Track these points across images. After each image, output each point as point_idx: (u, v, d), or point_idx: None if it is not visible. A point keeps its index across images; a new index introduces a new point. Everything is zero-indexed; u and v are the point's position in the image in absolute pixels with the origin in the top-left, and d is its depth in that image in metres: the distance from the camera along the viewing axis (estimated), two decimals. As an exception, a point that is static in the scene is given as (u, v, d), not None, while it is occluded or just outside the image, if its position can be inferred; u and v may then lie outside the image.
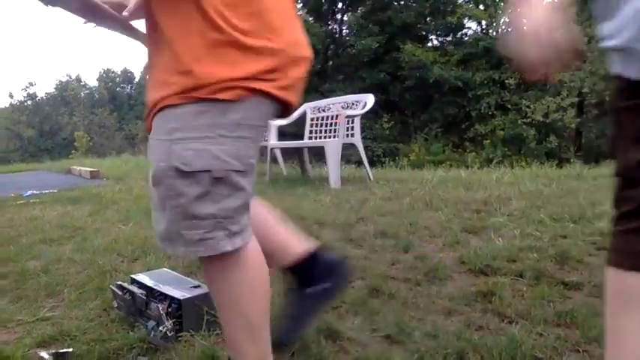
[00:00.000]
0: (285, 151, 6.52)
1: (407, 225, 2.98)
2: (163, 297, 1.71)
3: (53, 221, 3.85)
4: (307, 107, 5.87)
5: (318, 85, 24.96)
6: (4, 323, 1.82)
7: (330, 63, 25.83)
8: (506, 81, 19.81)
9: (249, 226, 1.11)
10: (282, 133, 5.98)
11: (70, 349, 1.56)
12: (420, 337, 1.56)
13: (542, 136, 18.94)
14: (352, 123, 5.11)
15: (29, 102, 23.31)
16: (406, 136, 21.99)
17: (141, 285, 1.84)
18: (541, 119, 18.23)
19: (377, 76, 22.54)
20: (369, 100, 5.20)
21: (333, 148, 4.77)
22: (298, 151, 5.92)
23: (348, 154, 11.22)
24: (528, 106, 18.66)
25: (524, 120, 18.80)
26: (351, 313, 1.79)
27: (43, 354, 1.54)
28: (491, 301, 1.84)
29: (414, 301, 1.88)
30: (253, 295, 1.12)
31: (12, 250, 2.89)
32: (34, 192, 6.00)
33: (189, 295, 1.69)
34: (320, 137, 5.51)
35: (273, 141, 5.65)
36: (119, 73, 57.81)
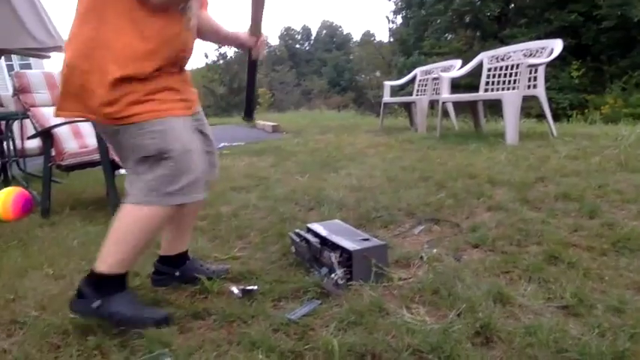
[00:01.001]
0: (458, 105, 6.27)
1: (594, 187, 2.68)
2: (335, 247, 1.82)
3: (241, 171, 4.30)
4: (484, 56, 5.52)
5: (497, 31, 23.20)
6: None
7: (512, 5, 23.65)
8: None
9: None
10: (455, 85, 5.73)
11: (256, 287, 1.77)
12: (603, 312, 1.43)
13: None
14: (535, 73, 4.68)
15: (221, 61, 25.82)
16: (599, 86, 19.40)
17: (316, 234, 1.98)
18: None
19: (567, 17, 20.02)
20: (557, 46, 4.68)
21: (511, 101, 4.45)
22: (472, 104, 5.64)
23: (528, 106, 10.38)
24: None
25: None
26: (524, 279, 1.71)
27: (234, 289, 1.77)
28: (698, 281, 1.60)
29: (597, 272, 1.72)
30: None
31: (209, 195, 3.31)
32: (226, 144, 6.72)
33: (359, 247, 1.77)
34: (497, 89, 5.17)
35: (445, 94, 5.46)
36: (299, 30, 60.57)
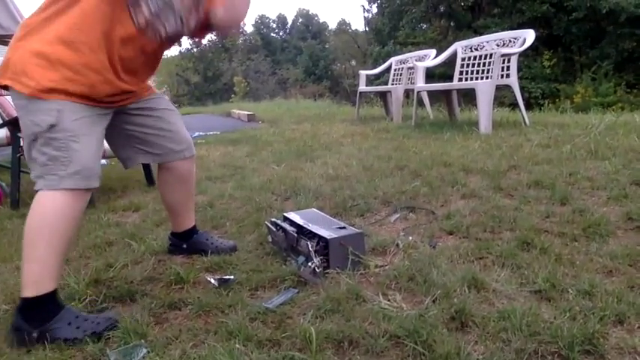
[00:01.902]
0: (432, 94, 6.31)
1: (566, 175, 2.74)
2: (312, 235, 1.82)
3: (216, 160, 4.26)
4: (458, 46, 5.56)
5: (470, 21, 23.41)
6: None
7: (486, -4, 23.88)
8: None
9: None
10: (430, 75, 5.77)
11: (232, 277, 1.76)
12: (574, 296, 1.47)
13: None
14: (508, 62, 4.73)
15: (195, 49, 25.47)
16: (570, 76, 19.80)
17: (292, 222, 1.98)
18: None
19: (539, 8, 20.31)
20: (529, 36, 4.74)
21: (485, 90, 4.50)
22: (446, 93, 5.69)
23: (501, 95, 10.53)
24: None
25: None
26: (498, 264, 1.73)
27: (210, 278, 1.76)
28: (664, 264, 1.65)
29: (569, 257, 1.76)
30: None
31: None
32: (200, 133, 6.65)
33: (336, 235, 1.78)
34: (471, 78, 5.22)
35: (420, 83, 5.49)
36: (274, 18, 60.02)
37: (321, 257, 1.74)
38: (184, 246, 2.07)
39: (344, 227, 1.90)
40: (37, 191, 1.47)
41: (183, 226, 2.05)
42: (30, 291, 1.42)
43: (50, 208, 1.45)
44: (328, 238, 1.76)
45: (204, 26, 1.67)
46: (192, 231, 2.08)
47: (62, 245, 1.47)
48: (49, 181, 1.44)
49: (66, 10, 1.44)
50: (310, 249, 1.74)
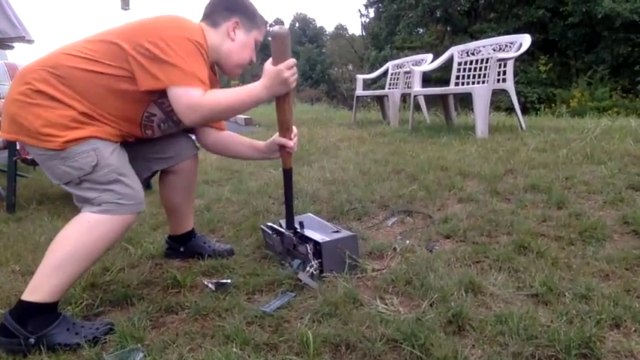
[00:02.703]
0: (429, 98, 6.33)
1: (562, 179, 2.75)
2: (306, 239, 1.82)
3: (214, 164, 4.26)
4: (454, 51, 5.58)
5: (467, 25, 23.51)
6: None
7: (482, 1, 23.99)
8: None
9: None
10: (427, 79, 5.78)
11: (229, 280, 1.76)
12: (571, 299, 1.47)
13: None
14: (504, 67, 4.75)
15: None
16: (566, 80, 19.88)
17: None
18: None
19: (535, 13, 20.43)
20: (525, 40, 4.76)
21: (481, 94, 4.51)
22: (443, 97, 5.71)
23: (498, 100, 10.56)
24: None
25: None
26: (494, 268, 1.74)
27: (207, 282, 1.76)
28: (660, 268, 1.66)
29: (565, 260, 1.76)
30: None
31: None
32: (198, 137, 6.64)
33: (329, 239, 1.78)
34: (467, 83, 5.24)
35: (416, 87, 5.51)
36: (271, 22, 60.06)
37: (318, 261, 1.74)
38: (182, 249, 2.07)
39: (338, 231, 1.90)
40: (87, 210, 1.48)
41: (182, 228, 2.06)
42: (40, 297, 1.40)
43: (99, 234, 1.46)
44: (321, 241, 1.76)
45: None
46: (191, 234, 2.08)
47: (90, 264, 1.51)
48: (106, 207, 1.46)
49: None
50: (309, 252, 1.74)
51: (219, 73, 1.87)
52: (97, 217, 1.46)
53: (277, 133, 1.86)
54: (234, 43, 1.75)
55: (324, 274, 1.73)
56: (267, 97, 1.65)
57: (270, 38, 1.66)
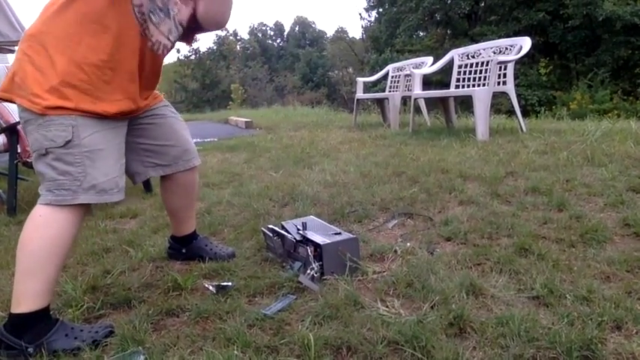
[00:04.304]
0: (430, 101, 6.34)
1: (562, 181, 2.75)
2: (307, 241, 1.82)
3: (214, 167, 4.26)
4: (455, 53, 5.59)
5: (467, 28, 23.54)
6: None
7: (482, 4, 24.03)
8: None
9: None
10: (427, 82, 5.79)
11: (230, 283, 1.76)
12: (572, 301, 1.47)
13: None
14: (505, 70, 4.76)
15: (193, 57, 25.57)
16: (566, 83, 19.90)
17: (288, 230, 1.98)
18: None
19: (535, 16, 20.48)
20: (525, 43, 4.77)
21: (481, 97, 4.52)
22: (443, 100, 5.71)
23: (498, 102, 10.55)
24: None
25: None
26: (495, 270, 1.74)
27: (208, 285, 1.76)
28: (661, 270, 1.66)
29: (566, 263, 1.76)
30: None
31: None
32: (198, 140, 6.65)
33: (329, 241, 1.78)
34: (468, 85, 5.24)
35: (417, 90, 5.51)
36: (272, 26, 60.24)
37: (319, 263, 1.75)
38: (183, 251, 2.07)
39: (339, 233, 1.90)
40: (40, 202, 1.45)
41: (184, 230, 2.06)
42: (25, 306, 1.38)
43: (56, 226, 1.42)
44: (322, 244, 1.76)
45: (191, 28, 1.64)
46: (192, 236, 2.08)
47: (64, 260, 1.47)
48: (60, 196, 1.42)
49: (85, 26, 1.42)
50: (310, 254, 1.74)
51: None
52: (48, 212, 1.42)
53: None
54: None
55: (324, 277, 1.73)
56: None
57: None
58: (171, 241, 2.11)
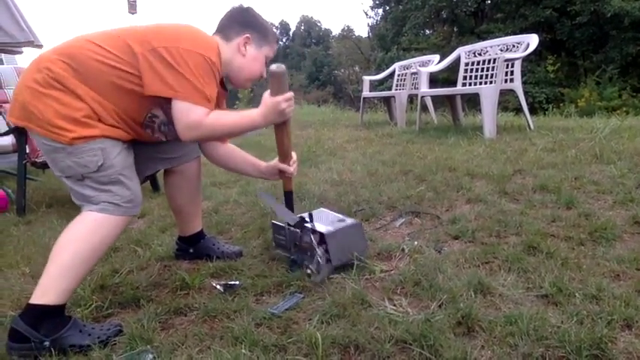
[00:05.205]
0: (437, 99, 6.31)
1: (571, 179, 2.73)
2: (312, 231, 1.82)
3: (221, 166, 4.26)
4: (461, 51, 5.56)
5: (473, 26, 23.44)
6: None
7: (488, 1, 23.92)
8: None
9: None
10: (434, 80, 5.76)
11: (238, 282, 1.76)
12: (581, 300, 1.46)
13: None
14: (512, 67, 4.73)
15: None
16: (574, 80, 19.77)
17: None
18: None
19: (542, 13, 20.35)
20: (532, 40, 4.74)
21: (489, 95, 4.49)
22: (450, 98, 5.69)
23: (505, 100, 10.49)
24: None
25: None
26: (503, 269, 1.73)
27: (216, 284, 1.76)
28: (671, 268, 1.64)
29: (575, 261, 1.75)
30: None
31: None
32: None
33: (333, 229, 1.79)
34: (475, 83, 5.22)
35: (423, 88, 5.49)
36: (277, 25, 60.30)
37: (324, 247, 1.76)
38: (191, 250, 2.09)
39: (343, 220, 1.90)
40: (89, 209, 1.50)
41: (191, 229, 2.08)
42: (49, 299, 1.41)
43: (99, 230, 1.48)
44: (325, 232, 1.76)
45: None
46: (200, 235, 2.10)
47: (95, 264, 1.53)
48: (104, 207, 1.49)
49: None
50: (313, 241, 1.75)
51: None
52: (100, 217, 1.48)
53: (277, 158, 1.94)
54: (245, 58, 1.76)
55: (334, 266, 1.73)
56: (263, 125, 1.73)
57: (268, 75, 1.73)
58: (178, 242, 2.13)
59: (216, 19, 1.80)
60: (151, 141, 1.74)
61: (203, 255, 2.06)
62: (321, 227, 1.81)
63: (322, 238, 1.77)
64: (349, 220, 1.90)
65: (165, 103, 1.58)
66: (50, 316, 1.41)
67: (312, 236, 1.78)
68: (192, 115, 1.52)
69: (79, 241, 1.46)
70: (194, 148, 1.96)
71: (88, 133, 1.47)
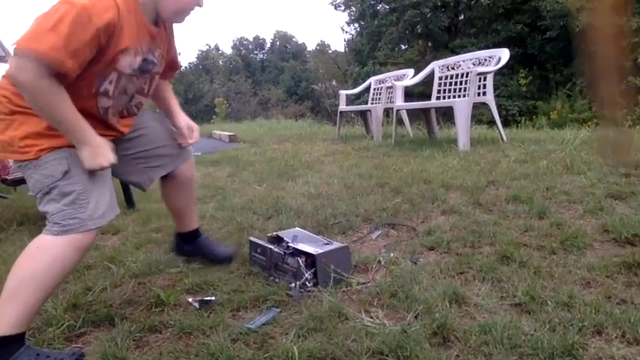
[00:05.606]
0: (412, 112, 6.39)
1: (543, 189, 2.79)
2: (298, 253, 1.83)
3: (198, 181, 4.22)
4: (435, 65, 5.66)
5: (447, 41, 23.86)
6: (157, 272, 2.09)
7: (461, 17, 24.42)
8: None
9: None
10: (409, 94, 5.83)
11: (214, 298, 1.74)
12: (553, 307, 1.49)
13: None
14: (484, 80, 4.83)
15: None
16: (546, 93, 20.21)
17: (277, 242, 1.98)
18: None
19: (514, 28, 20.87)
20: (504, 55, 4.85)
21: (462, 108, 4.57)
22: (425, 111, 5.77)
23: (480, 113, 10.66)
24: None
25: (693, 70, 16.23)
26: (478, 279, 1.75)
27: (191, 300, 1.74)
28: (637, 274, 1.69)
29: (547, 269, 1.78)
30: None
31: (164, 207, 3.24)
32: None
33: (322, 251, 1.80)
34: (449, 97, 5.31)
35: (399, 102, 5.56)
36: (251, 40, 60.39)
37: (312, 271, 1.76)
38: (186, 247, 2.17)
39: (329, 243, 1.91)
40: (43, 233, 1.45)
41: (186, 227, 2.14)
42: (3, 330, 1.35)
43: (58, 256, 1.42)
44: (315, 254, 1.76)
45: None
46: (195, 234, 2.16)
47: (49, 291, 1.45)
48: (67, 227, 1.42)
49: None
50: (301, 264, 1.75)
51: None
52: (49, 241, 1.42)
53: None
54: None
55: (311, 289, 1.73)
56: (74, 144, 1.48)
57: None
58: (176, 237, 2.19)
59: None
60: (123, 132, 1.69)
61: (197, 253, 2.14)
62: (308, 249, 1.82)
63: (312, 260, 1.77)
64: (336, 244, 1.93)
65: (111, 70, 1.49)
66: (5, 345, 1.35)
67: (299, 259, 1.78)
68: (29, 61, 1.30)
69: (22, 267, 1.41)
70: (182, 151, 1.96)
71: (54, 143, 1.44)
